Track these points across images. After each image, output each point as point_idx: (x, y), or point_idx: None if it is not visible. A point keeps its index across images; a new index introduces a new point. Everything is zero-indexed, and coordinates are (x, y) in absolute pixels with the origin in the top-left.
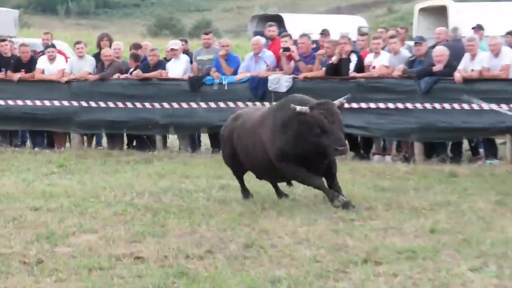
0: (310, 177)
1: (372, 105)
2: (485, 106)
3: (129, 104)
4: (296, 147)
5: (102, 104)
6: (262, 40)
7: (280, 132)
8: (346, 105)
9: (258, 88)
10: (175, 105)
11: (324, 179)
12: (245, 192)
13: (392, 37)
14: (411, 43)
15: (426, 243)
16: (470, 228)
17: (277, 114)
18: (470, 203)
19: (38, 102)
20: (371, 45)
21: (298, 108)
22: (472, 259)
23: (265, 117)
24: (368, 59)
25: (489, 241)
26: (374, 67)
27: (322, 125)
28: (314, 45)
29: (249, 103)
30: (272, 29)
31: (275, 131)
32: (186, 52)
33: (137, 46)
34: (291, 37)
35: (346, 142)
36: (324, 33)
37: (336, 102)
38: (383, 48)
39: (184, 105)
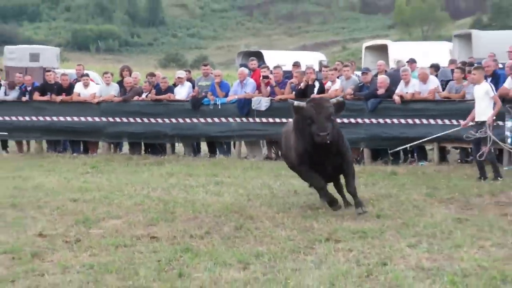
0: (315, 181)
1: None
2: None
3: (145, 120)
4: (306, 146)
5: (124, 120)
6: (246, 70)
7: (297, 137)
8: None
9: (244, 107)
10: (180, 120)
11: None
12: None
13: (345, 66)
14: (359, 72)
15: (374, 225)
16: (407, 214)
17: (294, 120)
18: (407, 195)
19: (75, 118)
20: (329, 75)
21: (296, 103)
22: (409, 238)
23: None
24: (327, 85)
25: (422, 224)
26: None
27: (310, 116)
28: (287, 75)
29: (237, 119)
30: (253, 63)
31: (295, 136)
32: (189, 79)
33: (152, 75)
34: (268, 68)
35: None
36: (296, 64)
37: (333, 100)
38: (338, 77)
39: (188, 120)
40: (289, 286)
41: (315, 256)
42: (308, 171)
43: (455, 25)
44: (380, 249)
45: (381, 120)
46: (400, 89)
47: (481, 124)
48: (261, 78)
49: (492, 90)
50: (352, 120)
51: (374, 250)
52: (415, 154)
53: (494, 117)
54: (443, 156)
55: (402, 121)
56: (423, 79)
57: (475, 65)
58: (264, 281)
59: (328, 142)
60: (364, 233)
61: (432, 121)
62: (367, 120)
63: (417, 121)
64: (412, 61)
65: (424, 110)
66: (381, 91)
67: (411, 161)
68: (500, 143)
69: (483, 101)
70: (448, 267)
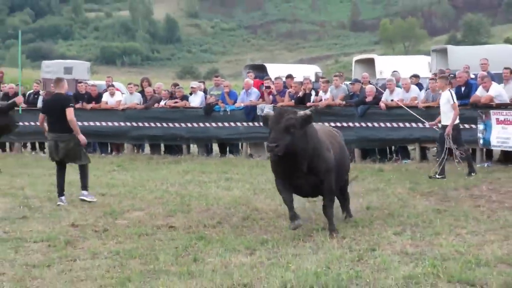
0: (283, 195)
1: (326, 124)
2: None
3: (164, 124)
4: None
5: (146, 124)
6: (251, 81)
7: None
8: None
9: (250, 113)
10: (195, 124)
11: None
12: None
13: (335, 76)
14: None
15: (364, 216)
16: (393, 206)
17: None
18: (392, 189)
19: (103, 123)
20: (322, 87)
21: (265, 112)
22: (394, 227)
23: None
24: (321, 94)
25: (406, 214)
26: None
27: (268, 126)
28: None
29: (244, 123)
30: (250, 75)
31: None
32: (204, 90)
33: (176, 84)
34: (271, 79)
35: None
36: (290, 76)
37: (301, 113)
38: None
39: (201, 124)
40: (290, 269)
41: (313, 243)
42: (278, 182)
43: (433, 41)
44: (370, 236)
45: (369, 124)
46: (385, 97)
47: (445, 127)
48: (264, 87)
49: (452, 98)
50: (344, 124)
51: (364, 237)
52: (399, 153)
53: (458, 121)
54: (423, 155)
55: (388, 124)
56: (406, 88)
57: (440, 74)
58: (269, 264)
59: (280, 154)
60: (355, 223)
61: (413, 125)
62: (357, 124)
63: (400, 124)
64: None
65: (407, 115)
66: (369, 99)
67: (395, 159)
68: (453, 147)
69: (445, 106)
70: (429, 252)
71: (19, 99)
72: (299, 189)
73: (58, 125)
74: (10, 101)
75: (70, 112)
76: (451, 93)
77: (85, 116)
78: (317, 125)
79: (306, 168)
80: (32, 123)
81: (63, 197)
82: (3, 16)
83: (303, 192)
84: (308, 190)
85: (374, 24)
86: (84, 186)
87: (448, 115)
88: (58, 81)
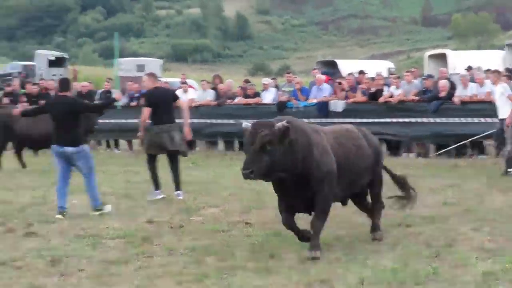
0: (282, 216)
1: (400, 120)
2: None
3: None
4: None
5: (219, 121)
6: (322, 77)
7: None
8: (382, 120)
9: (322, 109)
10: None
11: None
12: None
13: (407, 71)
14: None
15: (440, 212)
16: (470, 201)
17: None
18: (469, 184)
19: (176, 120)
20: (392, 82)
21: (244, 124)
22: (472, 223)
23: None
24: (391, 89)
25: (483, 210)
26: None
27: (244, 145)
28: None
29: (317, 119)
30: (315, 72)
31: None
32: (276, 86)
33: (247, 81)
34: (342, 76)
35: (263, 165)
36: (362, 72)
37: (279, 125)
38: None
39: None
40: (368, 266)
41: (389, 239)
42: (278, 200)
43: (506, 35)
44: (446, 232)
45: (443, 119)
46: (459, 92)
47: (502, 120)
48: (336, 84)
49: (507, 90)
50: (418, 120)
51: (441, 233)
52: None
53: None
54: (499, 150)
55: (462, 120)
56: (480, 83)
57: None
58: (346, 261)
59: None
60: (432, 219)
61: (488, 120)
62: (431, 120)
63: (475, 119)
64: (470, 68)
65: (481, 110)
66: (442, 94)
67: (471, 155)
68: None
69: (500, 100)
70: (508, 248)
71: (118, 95)
72: (297, 207)
73: (168, 116)
74: (108, 98)
75: (183, 102)
76: (505, 86)
77: None
78: (334, 126)
79: (295, 178)
80: (107, 121)
81: (159, 191)
82: (75, 15)
83: (299, 207)
84: (305, 206)
85: (446, 19)
86: (179, 186)
87: (504, 109)
88: (154, 75)
